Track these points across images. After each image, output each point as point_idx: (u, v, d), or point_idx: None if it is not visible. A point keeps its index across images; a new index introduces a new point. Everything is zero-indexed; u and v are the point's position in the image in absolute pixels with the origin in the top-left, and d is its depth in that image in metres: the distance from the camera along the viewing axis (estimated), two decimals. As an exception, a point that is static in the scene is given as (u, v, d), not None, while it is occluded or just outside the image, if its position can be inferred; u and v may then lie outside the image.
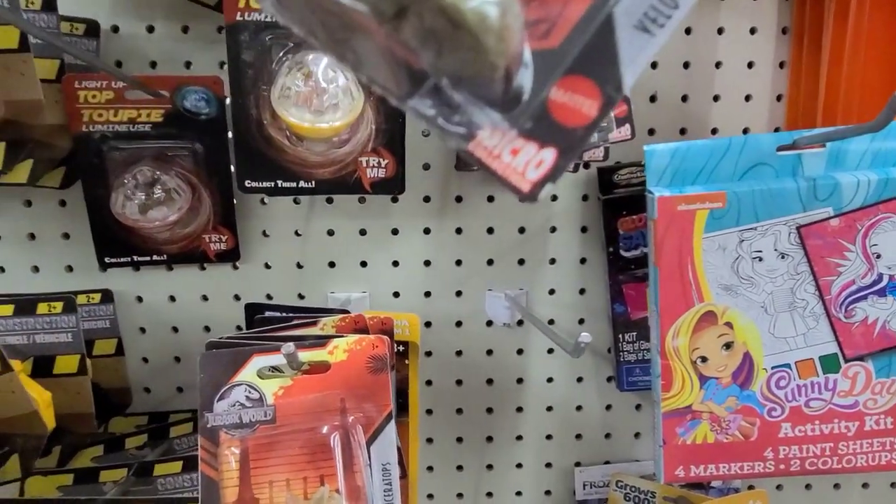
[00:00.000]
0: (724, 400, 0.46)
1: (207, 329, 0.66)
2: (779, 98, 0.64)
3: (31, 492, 0.54)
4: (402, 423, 0.54)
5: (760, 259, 0.44)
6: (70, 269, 0.63)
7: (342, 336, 0.39)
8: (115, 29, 0.59)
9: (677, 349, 0.45)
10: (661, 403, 0.46)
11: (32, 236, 0.62)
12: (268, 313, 0.52)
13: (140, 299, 0.65)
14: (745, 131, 0.64)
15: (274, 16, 0.19)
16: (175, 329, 0.66)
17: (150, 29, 0.60)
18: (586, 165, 0.64)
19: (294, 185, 0.53)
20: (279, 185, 0.53)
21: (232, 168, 0.57)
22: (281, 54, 0.47)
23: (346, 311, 0.51)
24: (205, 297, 0.65)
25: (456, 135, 0.18)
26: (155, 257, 0.61)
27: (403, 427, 0.54)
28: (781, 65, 0.63)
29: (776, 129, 0.64)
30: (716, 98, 0.64)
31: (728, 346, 0.46)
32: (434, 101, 0.17)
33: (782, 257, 0.44)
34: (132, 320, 0.65)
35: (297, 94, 0.46)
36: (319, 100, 0.46)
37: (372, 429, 0.36)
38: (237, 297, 0.66)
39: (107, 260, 0.60)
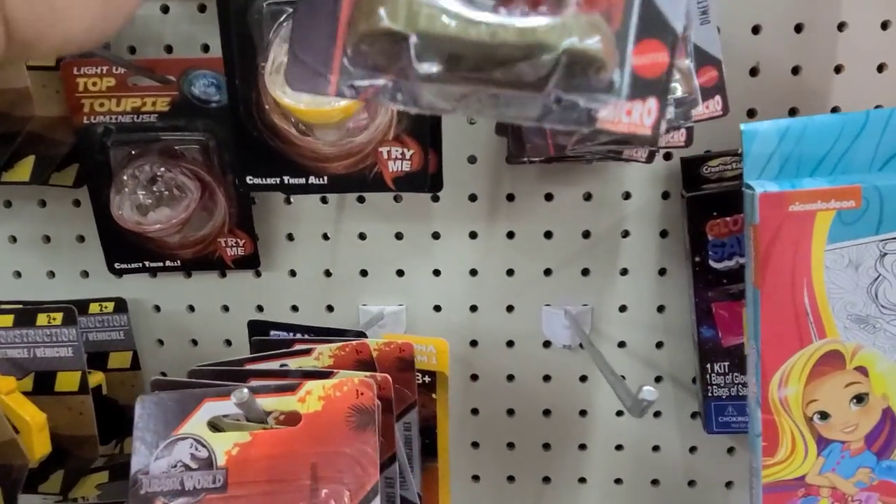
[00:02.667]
0: (853, 472, 0.34)
1: (229, 343, 0.60)
2: (924, 66, 0.49)
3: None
4: (431, 468, 0.44)
5: (912, 281, 0.31)
6: (86, 274, 0.58)
7: (322, 377, 0.30)
8: (128, 10, 0.53)
9: (786, 401, 0.33)
10: (763, 472, 0.35)
11: (47, 238, 0.58)
12: (273, 333, 0.44)
13: (158, 308, 0.59)
14: None
15: (435, 106, 0.21)
16: (194, 342, 0.60)
17: (165, 9, 0.53)
18: (667, 156, 0.52)
19: (303, 181, 0.45)
20: (286, 182, 0.45)
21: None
22: (276, 23, 0.39)
23: (363, 335, 0.42)
24: (225, 308, 0.59)
25: (579, 123, 0.22)
26: (168, 263, 0.55)
27: (432, 473, 0.44)
28: (928, 23, 0.49)
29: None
30: (837, 69, 0.50)
31: (860, 399, 0.33)
32: (557, 111, 0.22)
33: (944, 279, 0.31)
34: (149, 331, 0.59)
35: (297, 71, 0.38)
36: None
37: (352, 505, 0.28)
38: (260, 308, 0.59)
39: (117, 266, 0.54)
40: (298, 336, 0.43)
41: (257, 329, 0.45)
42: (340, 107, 0.39)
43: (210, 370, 0.33)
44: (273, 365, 0.36)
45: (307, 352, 0.36)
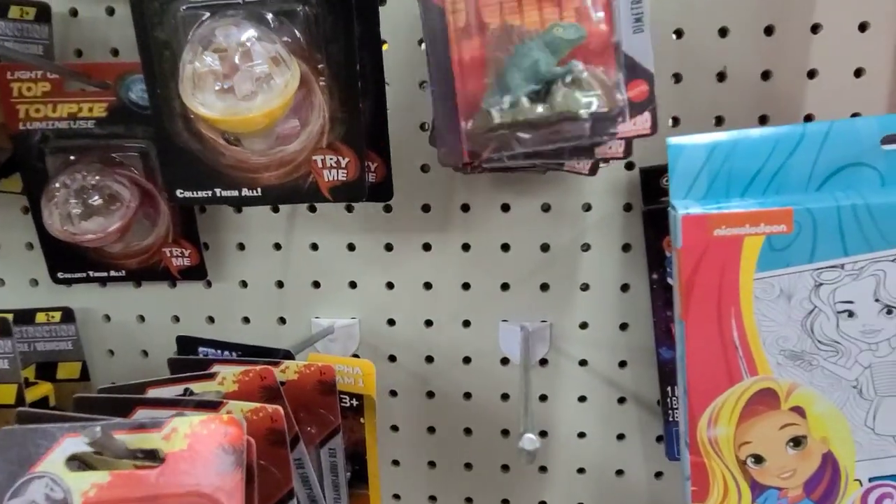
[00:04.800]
0: (789, 521, 0.31)
1: (179, 354, 0.58)
2: (905, 71, 0.46)
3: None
4: (361, 495, 0.42)
5: (851, 314, 0.28)
6: (35, 282, 0.57)
7: (213, 407, 0.28)
8: (74, 13, 0.52)
9: (716, 442, 0.31)
10: (692, 518, 0.32)
11: (-4, 246, 0.57)
12: (200, 350, 0.42)
13: (108, 318, 0.58)
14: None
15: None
16: (145, 352, 0.58)
17: (111, 11, 0.52)
18: (629, 166, 0.49)
19: (236, 193, 0.43)
20: (218, 195, 0.43)
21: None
22: (193, 28, 0.37)
23: (290, 355, 0.40)
24: (176, 318, 0.57)
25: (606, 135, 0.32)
26: (113, 272, 0.53)
27: (362, 500, 0.42)
28: (910, 25, 0.45)
29: (900, 115, 0.46)
30: (811, 74, 0.47)
31: (797, 442, 0.30)
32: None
33: (889, 312, 0.28)
34: (100, 341, 0.58)
35: (213, 75, 0.36)
36: (242, 79, 0.36)
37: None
38: (211, 319, 0.57)
39: (59, 275, 0.53)
40: (224, 355, 0.41)
41: (185, 345, 0.43)
42: (262, 112, 0.37)
43: (100, 398, 0.31)
44: (176, 389, 0.34)
45: (211, 376, 0.34)
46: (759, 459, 0.31)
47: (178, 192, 0.43)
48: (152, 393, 0.33)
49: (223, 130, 0.40)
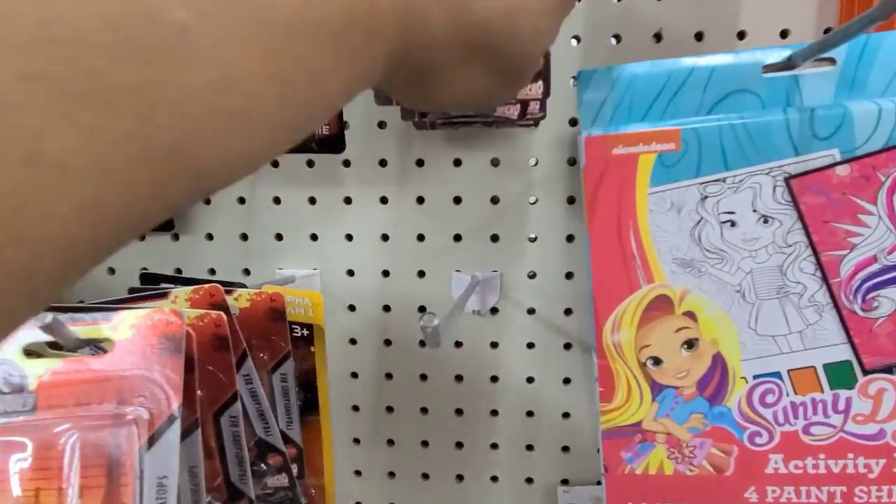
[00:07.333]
0: (686, 418, 0.34)
1: (148, 305, 0.60)
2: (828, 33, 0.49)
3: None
4: (313, 421, 0.45)
5: (733, 224, 0.31)
6: None
7: (137, 306, 0.31)
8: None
9: (619, 346, 0.34)
10: (601, 418, 0.35)
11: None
12: (163, 286, 0.45)
13: (79, 270, 0.60)
14: (785, 36, 0.50)
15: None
16: (115, 304, 0.61)
17: None
18: (573, 122, 0.52)
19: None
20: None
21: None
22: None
23: (243, 286, 0.43)
24: (145, 269, 0.60)
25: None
26: (83, 224, 0.56)
27: (314, 426, 0.45)
28: (830, -12, 0.49)
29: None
30: (741, 35, 0.50)
31: (690, 344, 0.33)
32: None
33: (765, 221, 0.31)
34: (68, 292, 0.60)
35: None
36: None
37: (152, 430, 0.28)
38: (179, 271, 0.60)
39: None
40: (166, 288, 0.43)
41: (148, 280, 0.46)
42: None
43: (60, 306, 0.34)
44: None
45: (164, 295, 0.36)
46: (657, 361, 0.34)
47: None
48: (109, 310, 0.36)
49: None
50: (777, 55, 0.31)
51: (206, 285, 0.36)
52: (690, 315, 0.33)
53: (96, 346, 0.30)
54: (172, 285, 0.44)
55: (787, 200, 0.31)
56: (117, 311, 0.30)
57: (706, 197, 0.31)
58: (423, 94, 0.21)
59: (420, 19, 0.18)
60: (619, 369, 0.34)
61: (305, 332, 0.43)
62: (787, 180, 0.30)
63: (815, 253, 0.31)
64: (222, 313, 0.33)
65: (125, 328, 0.29)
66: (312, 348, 0.43)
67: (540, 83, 0.34)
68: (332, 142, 0.49)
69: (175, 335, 0.29)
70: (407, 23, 0.18)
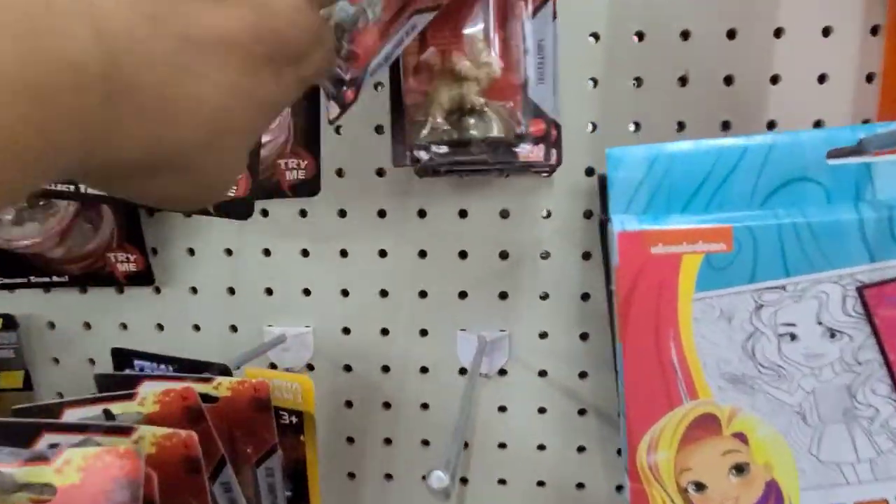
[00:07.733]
0: (733, 551, 0.30)
1: (127, 363, 0.56)
2: (869, 78, 0.45)
3: None
4: (302, 515, 0.41)
5: (793, 337, 0.27)
6: (-24, 288, 0.55)
7: (124, 433, 0.27)
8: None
9: (657, 468, 0.29)
10: (634, 547, 0.30)
11: (-65, 249, 0.54)
12: (136, 363, 0.40)
13: (52, 325, 0.55)
14: (819, 126, 0.45)
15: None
16: (92, 361, 0.56)
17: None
18: (589, 172, 0.48)
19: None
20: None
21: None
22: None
23: (227, 371, 0.38)
24: (124, 326, 0.55)
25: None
26: (56, 278, 0.51)
27: (304, 520, 0.41)
28: (874, 30, 0.44)
29: (865, 122, 0.45)
30: (774, 80, 0.46)
31: (740, 469, 0.29)
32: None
33: (832, 336, 0.27)
34: (43, 349, 0.56)
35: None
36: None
37: None
38: (160, 327, 0.55)
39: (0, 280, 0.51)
40: (160, 368, 0.39)
41: (121, 358, 0.41)
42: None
43: (3, 423, 0.29)
44: (95, 410, 0.32)
45: (131, 396, 0.32)
46: (700, 487, 0.30)
47: (113, 198, 0.41)
48: (68, 414, 0.31)
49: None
50: (846, 137, 0.26)
51: (179, 387, 0.31)
52: (741, 437, 0.29)
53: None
54: (145, 374, 0.39)
55: (858, 313, 0.26)
56: (60, 451, 0.25)
57: (762, 306, 0.27)
58: (125, 194, 0.21)
59: (108, 144, 0.18)
60: (656, 494, 0.30)
61: (294, 420, 0.38)
62: (859, 290, 0.26)
63: (891, 373, 0.26)
64: (193, 434, 0.28)
65: (72, 471, 0.25)
66: (302, 437, 0.38)
67: (542, 147, 0.38)
68: (309, 185, 0.46)
69: (131, 479, 0.24)
70: (92, 146, 0.17)
